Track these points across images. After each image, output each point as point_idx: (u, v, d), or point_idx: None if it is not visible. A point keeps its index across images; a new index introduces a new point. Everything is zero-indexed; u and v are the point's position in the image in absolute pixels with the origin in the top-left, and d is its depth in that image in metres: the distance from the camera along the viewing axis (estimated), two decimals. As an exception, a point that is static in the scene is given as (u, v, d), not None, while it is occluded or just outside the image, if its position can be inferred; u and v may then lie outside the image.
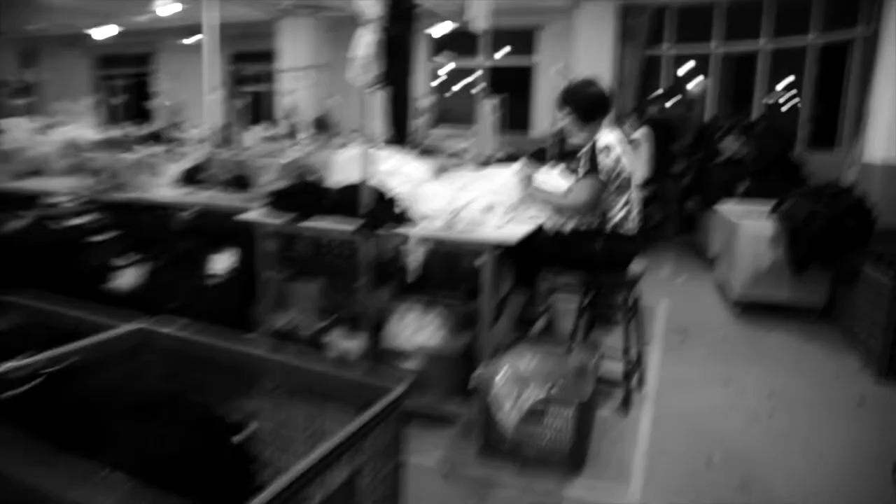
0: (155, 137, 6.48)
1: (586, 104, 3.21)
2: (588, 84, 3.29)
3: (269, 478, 1.82)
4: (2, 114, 7.89)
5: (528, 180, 3.30)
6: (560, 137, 6.56)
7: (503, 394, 2.70)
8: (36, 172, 5.04)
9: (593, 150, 3.08)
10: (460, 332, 3.21)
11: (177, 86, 12.51)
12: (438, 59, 11.02)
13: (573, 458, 2.75)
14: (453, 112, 11.79)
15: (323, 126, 7.71)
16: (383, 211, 2.95)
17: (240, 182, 4.11)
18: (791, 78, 8.87)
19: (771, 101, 9.03)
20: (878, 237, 4.67)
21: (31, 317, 2.34)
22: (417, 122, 8.58)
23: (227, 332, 2.27)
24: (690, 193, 7.72)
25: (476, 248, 2.88)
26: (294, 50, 11.02)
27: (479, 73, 9.89)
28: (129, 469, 1.49)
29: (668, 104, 8.90)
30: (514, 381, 2.76)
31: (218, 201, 3.86)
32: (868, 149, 6.03)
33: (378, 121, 2.83)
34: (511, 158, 6.30)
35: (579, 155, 3.24)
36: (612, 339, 4.15)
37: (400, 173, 3.45)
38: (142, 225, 3.86)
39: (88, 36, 11.64)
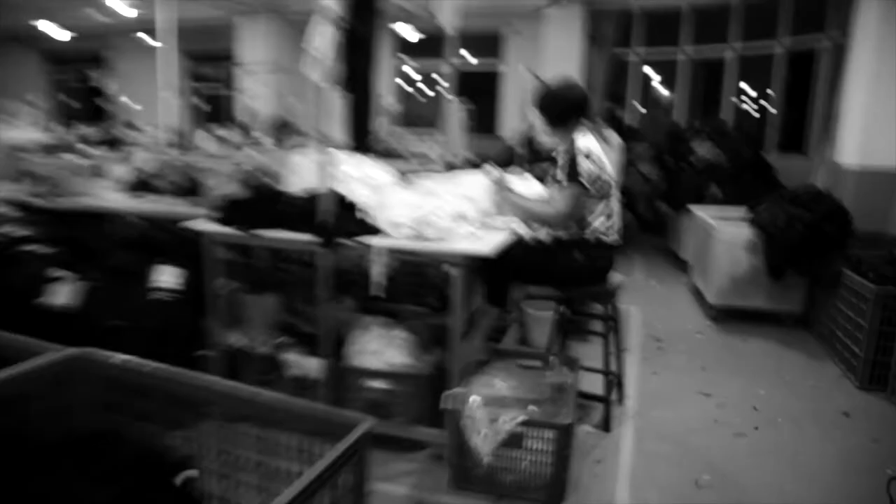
0: (106, 140, 6.13)
1: (564, 106, 3.00)
2: (566, 85, 3.08)
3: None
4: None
5: (501, 185, 3.07)
6: (528, 139, 6.38)
7: (478, 418, 2.47)
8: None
9: (573, 153, 2.87)
10: (428, 349, 2.97)
11: (132, 86, 12.12)
12: (403, 58, 10.81)
13: (554, 485, 2.53)
14: (419, 114, 11.60)
15: (281, 127, 7.42)
16: (343, 219, 2.70)
17: (190, 187, 3.82)
18: (759, 83, 8.83)
19: (739, 106, 8.99)
20: (851, 241, 4.58)
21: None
22: (381, 124, 8.36)
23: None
24: (661, 196, 7.61)
25: (446, 260, 2.64)
26: (253, 50, 10.69)
27: (445, 74, 9.72)
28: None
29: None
30: (489, 404, 2.54)
31: (165, 208, 3.57)
32: (839, 153, 5.98)
33: (337, 122, 2.58)
34: (476, 165, 6.11)
35: (556, 156, 3.03)
36: (589, 350, 3.96)
37: (362, 178, 3.21)
38: (81, 234, 3.55)
39: (39, 33, 11.16)
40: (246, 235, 2.80)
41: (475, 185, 3.13)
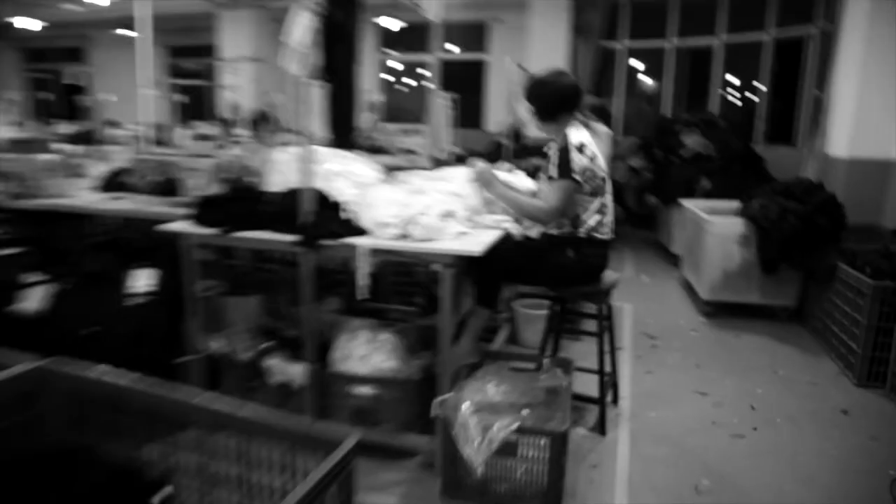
0: (82, 137, 5.96)
1: (556, 98, 2.88)
2: (558, 75, 2.96)
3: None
4: None
5: (487, 178, 2.93)
6: (515, 133, 6.28)
7: (470, 426, 2.36)
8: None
9: (566, 147, 2.76)
10: (417, 353, 2.86)
11: (111, 82, 11.89)
12: (387, 52, 10.67)
13: (550, 494, 2.43)
14: (404, 108, 11.46)
15: (262, 123, 7.25)
16: (326, 219, 2.58)
17: (168, 186, 3.68)
18: (746, 73, 8.76)
19: (727, 97, 8.93)
20: (844, 234, 4.52)
21: None
22: (366, 118, 8.22)
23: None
24: (650, 189, 7.53)
25: (434, 261, 2.53)
26: (235, 43, 10.50)
27: (430, 66, 9.59)
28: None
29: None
30: (481, 410, 2.44)
31: (142, 208, 3.43)
32: (829, 143, 5.91)
33: (318, 116, 2.45)
34: (462, 159, 5.99)
35: (547, 150, 2.92)
36: (581, 348, 3.88)
37: (346, 175, 3.09)
38: (53, 236, 3.41)
39: (14, 27, 10.91)
40: (224, 237, 2.67)
41: (463, 181, 3.02)
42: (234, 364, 2.93)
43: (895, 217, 5.14)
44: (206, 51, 11.08)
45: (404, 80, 11.67)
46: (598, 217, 2.84)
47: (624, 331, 4.51)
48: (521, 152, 5.58)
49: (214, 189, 3.41)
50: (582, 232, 2.83)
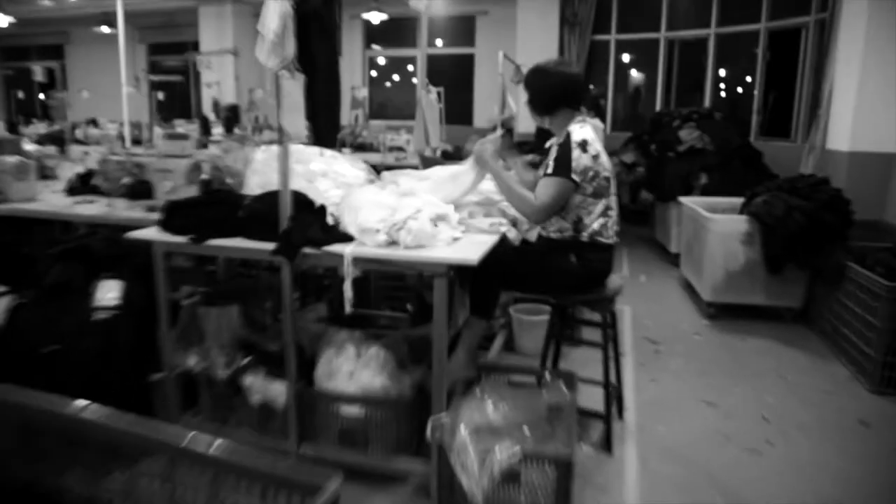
0: (53, 137, 5.69)
1: (559, 89, 2.67)
2: (561, 64, 2.74)
3: None
4: None
5: (485, 157, 2.70)
6: (508, 128, 6.06)
7: (469, 451, 2.15)
8: None
9: (567, 144, 2.54)
10: (408, 367, 2.65)
11: (90, 79, 11.61)
12: (375, 48, 10.45)
13: (555, 523, 2.23)
14: (391, 104, 11.25)
15: (234, 119, 7.01)
16: (308, 225, 2.36)
17: (141, 189, 3.45)
18: (741, 66, 8.59)
19: (721, 91, 8.76)
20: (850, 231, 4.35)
21: None
22: (354, 116, 7.99)
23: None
24: (644, 185, 7.35)
25: (426, 270, 2.31)
26: (217, 39, 10.26)
27: (417, 62, 9.40)
28: None
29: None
30: (480, 433, 2.23)
31: (111, 213, 3.20)
32: (829, 137, 5.75)
33: (298, 112, 2.23)
34: (451, 156, 5.78)
35: (548, 146, 2.71)
36: (582, 355, 3.68)
37: (330, 176, 2.88)
38: (19, 244, 3.17)
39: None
40: (196, 245, 2.45)
41: (455, 180, 2.81)
42: (211, 382, 2.70)
43: (900, 213, 4.98)
44: (188, 48, 10.82)
45: (391, 75, 11.45)
46: (601, 220, 2.63)
47: (624, 335, 4.31)
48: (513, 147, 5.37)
49: (190, 192, 3.18)
50: (585, 236, 2.62)
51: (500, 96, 5.09)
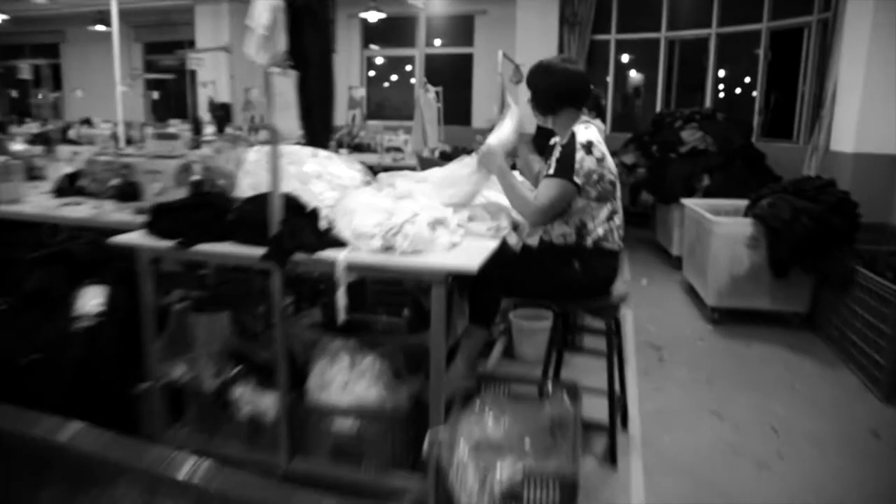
0: (41, 136, 5.56)
1: (563, 88, 2.56)
2: (565, 62, 2.63)
3: None
4: None
5: (491, 157, 2.59)
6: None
7: (469, 470, 2.04)
8: None
9: (571, 145, 2.43)
10: (405, 378, 2.53)
11: (85, 78, 11.50)
12: (372, 48, 10.35)
13: (558, 544, 2.12)
14: (389, 104, 11.14)
15: (224, 118, 6.90)
16: (299, 229, 2.24)
17: (129, 191, 3.33)
18: (742, 66, 8.49)
19: (722, 91, 8.66)
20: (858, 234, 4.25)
21: None
22: (351, 114, 7.88)
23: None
24: (645, 186, 7.24)
25: (424, 278, 2.20)
26: (215, 38, 10.12)
27: (416, 62, 9.31)
28: None
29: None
30: (481, 450, 2.12)
31: (99, 216, 3.07)
32: (833, 138, 5.65)
33: (290, 111, 2.12)
34: (449, 157, 5.67)
35: (553, 143, 2.60)
36: (584, 363, 3.57)
37: (324, 177, 2.76)
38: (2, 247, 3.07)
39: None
40: (182, 250, 2.33)
41: (459, 182, 2.70)
42: (198, 393, 2.59)
43: (907, 215, 4.88)
44: (184, 47, 10.72)
45: (389, 75, 11.34)
46: (606, 225, 2.52)
47: (626, 341, 4.20)
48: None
49: (179, 194, 3.07)
50: (589, 242, 2.51)
51: (499, 96, 4.99)
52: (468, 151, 2.91)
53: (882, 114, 5.11)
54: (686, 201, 5.50)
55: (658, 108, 8.65)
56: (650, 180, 6.93)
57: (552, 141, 2.66)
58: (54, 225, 3.37)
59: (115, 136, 6.12)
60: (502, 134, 2.65)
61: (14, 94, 13.10)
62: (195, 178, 3.20)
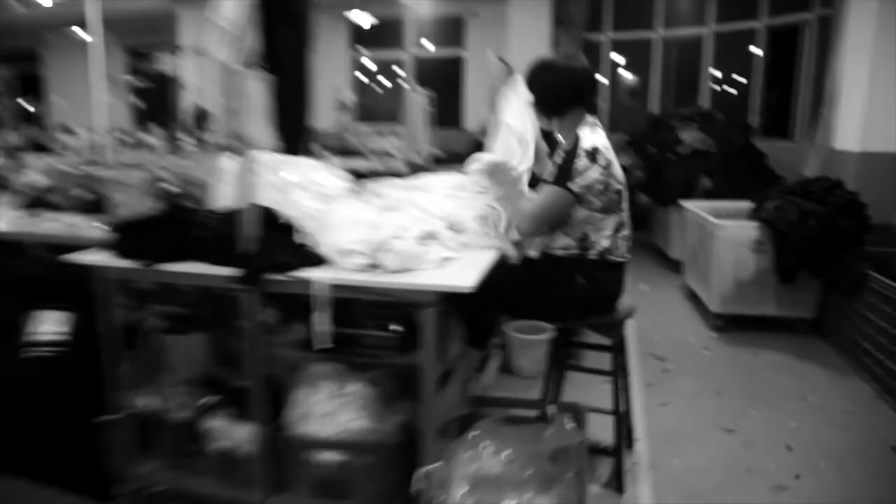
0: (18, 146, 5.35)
1: (567, 87, 2.35)
2: (569, 58, 2.43)
3: None
4: None
5: (498, 168, 2.39)
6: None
7: (463, 512, 1.84)
8: None
9: (574, 151, 2.23)
10: (394, 404, 2.32)
11: (65, 84, 11.26)
12: (360, 49, 10.14)
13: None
14: (379, 108, 10.93)
15: (203, 122, 6.65)
16: (275, 246, 2.04)
17: (98, 204, 3.12)
18: (738, 64, 8.33)
19: (718, 90, 8.49)
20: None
21: None
22: (339, 118, 7.66)
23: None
24: (642, 189, 7.05)
25: (413, 299, 2.00)
26: (199, 43, 9.88)
27: (405, 64, 9.09)
28: None
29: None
30: (479, 487, 1.92)
31: (61, 230, 2.86)
32: (836, 136, 5.48)
33: (260, 116, 1.92)
34: (441, 161, 5.47)
35: (556, 148, 2.40)
36: (582, 377, 3.37)
37: (306, 187, 2.55)
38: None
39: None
40: (146, 271, 2.12)
41: (448, 190, 2.49)
42: (167, 425, 2.37)
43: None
44: (167, 51, 10.49)
45: (378, 78, 11.13)
46: (612, 237, 2.32)
47: (629, 352, 4.00)
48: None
49: (148, 205, 2.86)
50: (593, 254, 2.31)
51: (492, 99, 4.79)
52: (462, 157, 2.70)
53: (888, 111, 4.94)
54: (686, 203, 5.31)
55: (654, 109, 8.49)
56: (647, 182, 6.75)
57: (558, 136, 2.45)
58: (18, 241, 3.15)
59: (93, 145, 5.90)
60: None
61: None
62: (165, 188, 2.99)
